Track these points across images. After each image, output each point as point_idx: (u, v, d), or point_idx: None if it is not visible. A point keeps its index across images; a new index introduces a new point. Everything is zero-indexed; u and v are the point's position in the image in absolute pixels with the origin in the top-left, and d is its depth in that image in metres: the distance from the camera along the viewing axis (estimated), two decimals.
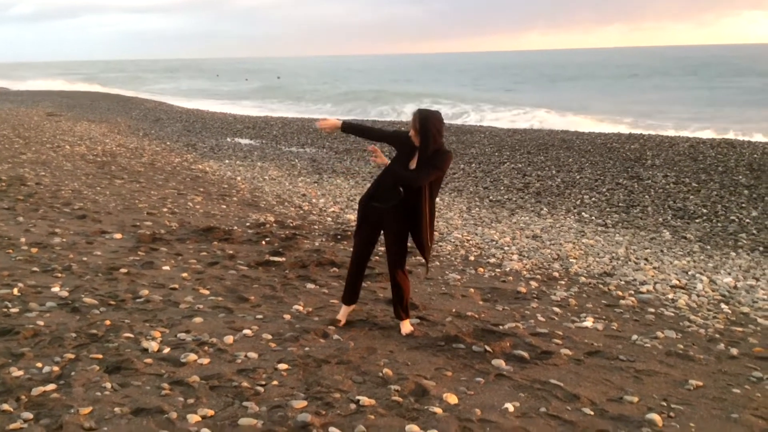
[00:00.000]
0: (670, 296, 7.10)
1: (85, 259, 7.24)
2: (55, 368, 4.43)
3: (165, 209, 10.62)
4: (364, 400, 4.20)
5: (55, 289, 6.11)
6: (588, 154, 17.80)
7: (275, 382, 4.43)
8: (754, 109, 34.35)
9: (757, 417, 4.31)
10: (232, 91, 65.07)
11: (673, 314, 6.51)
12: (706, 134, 21.54)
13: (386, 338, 5.38)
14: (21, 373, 4.32)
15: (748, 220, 11.40)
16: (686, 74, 70.85)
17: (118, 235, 8.45)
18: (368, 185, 12.62)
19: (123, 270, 6.88)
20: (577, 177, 15.36)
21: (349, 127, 5.50)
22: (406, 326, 5.53)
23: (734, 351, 5.54)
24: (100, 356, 4.67)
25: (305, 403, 4.13)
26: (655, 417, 4.18)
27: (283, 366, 4.68)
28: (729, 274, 8.10)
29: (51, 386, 4.15)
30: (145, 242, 8.20)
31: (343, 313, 5.74)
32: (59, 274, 6.60)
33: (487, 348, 5.16)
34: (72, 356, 4.64)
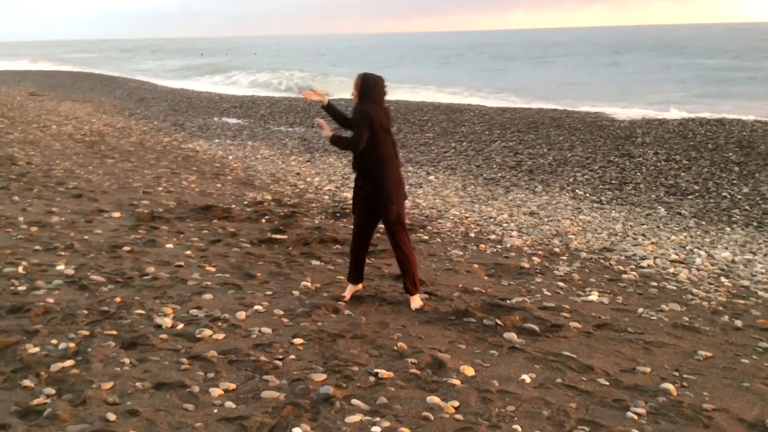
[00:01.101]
0: (671, 270, 7.18)
1: (86, 237, 7.20)
2: (71, 345, 4.42)
3: (160, 188, 10.57)
4: (383, 372, 4.23)
5: (60, 267, 6.08)
6: (578, 132, 17.85)
7: (292, 356, 4.45)
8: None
9: None
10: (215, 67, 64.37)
11: (675, 288, 6.59)
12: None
13: (397, 313, 5.41)
14: (37, 349, 4.31)
15: (740, 197, 11.51)
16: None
17: (117, 214, 8.40)
18: None
19: (126, 248, 6.85)
20: (569, 155, 15.40)
21: (330, 108, 5.58)
22: (416, 301, 5.55)
23: (738, 323, 5.63)
24: (115, 332, 4.67)
25: (325, 376, 4.16)
26: (669, 386, 4.24)
27: (298, 340, 4.70)
28: (726, 248, 8.20)
29: (69, 362, 4.15)
30: (144, 221, 8.16)
31: (349, 290, 5.76)
32: (62, 253, 6.57)
33: (498, 322, 5.21)
34: (86, 333, 4.64)
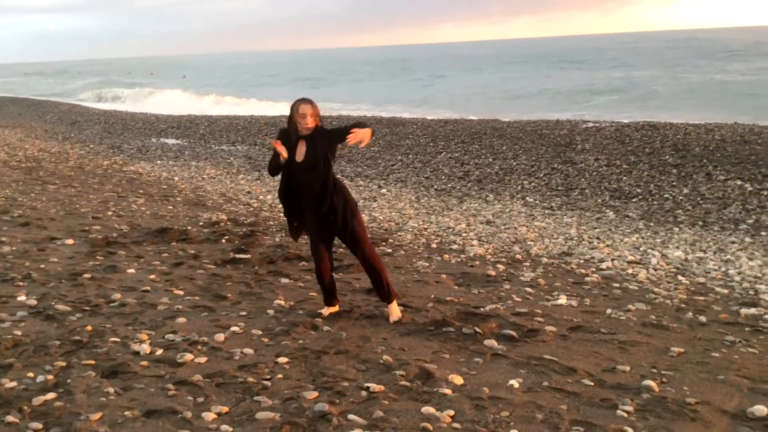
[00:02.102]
0: (630, 271, 7.41)
1: (42, 266, 6.96)
2: (49, 377, 4.27)
3: (109, 212, 10.31)
4: (374, 386, 4.23)
5: (22, 297, 5.87)
6: (520, 141, 18.25)
7: (280, 375, 4.40)
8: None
9: (742, 377, 4.57)
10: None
11: (637, 288, 6.80)
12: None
13: (375, 326, 5.42)
14: (14, 384, 4.15)
15: (681, 197, 11.96)
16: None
17: (70, 241, 8.15)
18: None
19: (87, 275, 6.66)
20: (514, 164, 15.73)
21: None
22: (395, 312, 5.55)
23: (703, 318, 5.85)
24: (92, 362, 4.53)
25: (316, 393, 4.13)
26: (651, 383, 4.37)
27: (283, 359, 4.66)
28: (678, 248, 8.51)
29: (51, 395, 4.01)
30: (100, 246, 7.94)
31: (326, 311, 5.73)
32: (20, 283, 6.34)
33: (477, 329, 5.27)
34: (63, 364, 4.49)
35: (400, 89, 49.92)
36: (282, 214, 5.73)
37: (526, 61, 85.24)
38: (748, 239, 8.98)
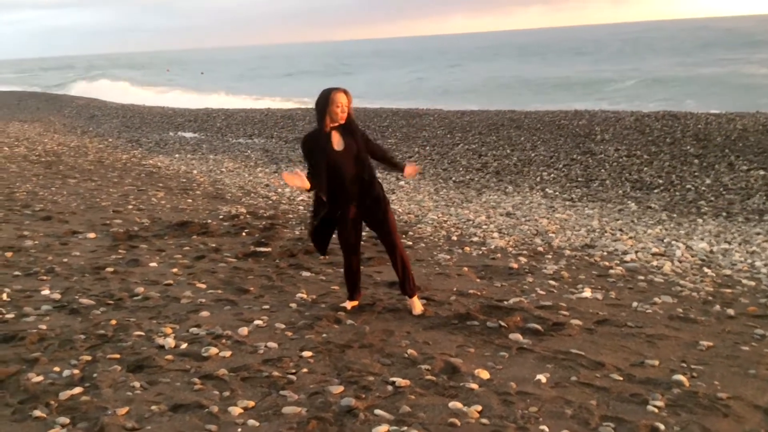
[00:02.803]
0: (654, 263, 7.32)
1: (65, 260, 6.99)
2: (75, 371, 4.28)
3: (130, 206, 10.35)
4: (400, 381, 4.20)
5: (45, 292, 5.89)
6: (538, 132, 18.12)
7: (305, 370, 4.38)
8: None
9: None
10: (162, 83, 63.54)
11: (662, 280, 6.72)
12: None
13: (399, 320, 5.38)
14: (41, 378, 4.16)
15: (703, 188, 11.82)
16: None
17: (92, 235, 8.18)
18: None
19: (109, 269, 6.68)
20: (532, 155, 15.62)
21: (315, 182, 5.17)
22: (417, 306, 5.53)
23: (731, 311, 5.76)
24: (118, 356, 4.53)
25: (342, 388, 4.11)
26: (681, 378, 4.31)
27: (307, 353, 4.63)
28: (702, 239, 8.39)
29: (77, 389, 4.01)
30: (121, 240, 7.96)
31: (350, 305, 5.70)
32: (44, 277, 6.36)
33: (501, 323, 5.22)
34: (89, 358, 4.49)
35: (414, 81, 49.69)
36: (309, 213, 5.69)
37: (541, 51, 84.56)
38: None
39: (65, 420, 3.65)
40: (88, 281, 6.30)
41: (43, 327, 5.02)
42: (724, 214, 9.91)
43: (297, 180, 4.94)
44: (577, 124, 18.46)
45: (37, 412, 3.71)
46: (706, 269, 7.16)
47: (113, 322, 5.17)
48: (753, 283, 6.66)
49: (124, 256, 7.27)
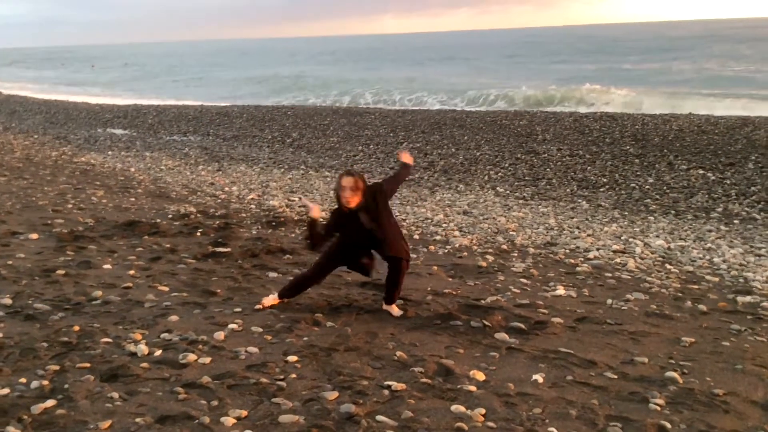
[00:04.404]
0: (618, 260, 7.38)
1: (10, 262, 6.51)
2: (44, 382, 3.93)
3: (69, 205, 9.81)
4: (395, 384, 4.03)
5: None
6: (481, 131, 18.23)
7: (293, 375, 4.16)
8: None
9: (759, 366, 4.54)
10: (86, 80, 61.42)
11: (629, 277, 6.76)
12: None
13: (380, 321, 5.21)
14: (7, 390, 3.81)
15: (647, 187, 12.08)
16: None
17: (34, 235, 7.68)
18: (272, 171, 12.51)
19: (60, 271, 6.26)
20: (477, 154, 15.68)
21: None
22: (395, 309, 5.39)
23: (703, 307, 5.82)
24: (88, 365, 4.20)
25: (336, 393, 3.91)
26: (674, 375, 4.29)
27: (292, 358, 4.41)
28: (658, 236, 8.53)
29: (50, 402, 3.68)
30: (67, 241, 7.50)
31: (271, 300, 5.52)
32: None
33: (485, 323, 5.11)
34: (56, 367, 4.15)
35: (349, 78, 49.45)
36: (305, 223, 5.68)
37: (470, 52, 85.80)
38: (723, 227, 9.08)
39: None
40: (38, 285, 5.88)
41: None
42: (673, 212, 10.13)
43: (315, 210, 5.23)
44: (518, 124, 18.67)
45: (11, 429, 3.38)
46: (668, 266, 7.26)
47: (76, 328, 4.81)
48: (716, 279, 6.78)
49: (73, 257, 6.84)
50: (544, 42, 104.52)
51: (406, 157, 5.45)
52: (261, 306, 5.43)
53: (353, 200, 5.04)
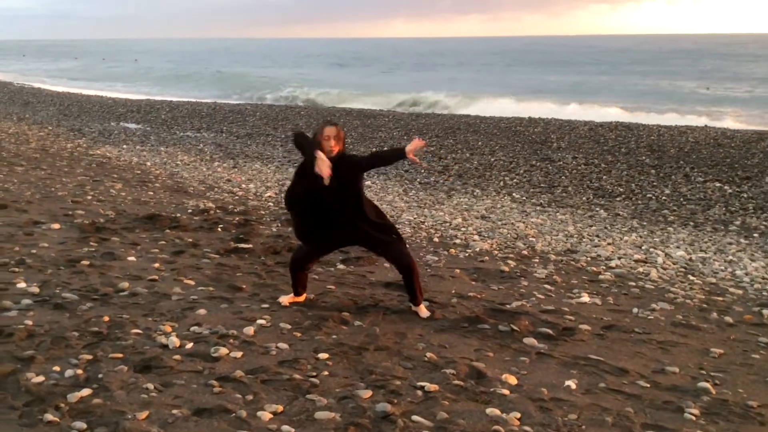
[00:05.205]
0: (640, 270, 7.36)
1: (34, 251, 6.52)
2: (78, 371, 3.93)
3: (89, 197, 9.83)
4: (428, 385, 4.02)
5: (21, 285, 5.46)
6: (495, 137, 18.21)
7: (326, 373, 4.15)
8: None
9: None
10: (100, 74, 61.65)
11: (653, 287, 6.74)
12: None
13: (407, 322, 5.21)
14: (42, 378, 3.81)
15: (664, 198, 12.04)
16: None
17: (56, 225, 7.70)
18: (289, 170, 12.56)
19: (85, 262, 6.27)
20: (492, 160, 15.66)
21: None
22: (423, 310, 5.38)
23: (729, 319, 5.80)
24: (120, 355, 4.21)
25: (370, 392, 3.90)
26: (706, 385, 4.28)
27: (323, 355, 4.41)
28: (678, 247, 8.50)
29: (86, 391, 3.68)
30: (89, 232, 7.51)
31: (288, 300, 5.53)
32: (15, 269, 5.91)
33: (513, 327, 5.10)
34: (89, 357, 4.15)
35: (365, 80, 49.66)
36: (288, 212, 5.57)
37: (482, 59, 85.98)
38: (743, 241, 9.04)
39: (82, 425, 3.32)
40: (64, 274, 5.89)
41: (29, 323, 4.63)
42: (692, 223, 10.09)
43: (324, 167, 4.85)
44: (533, 131, 18.65)
45: (49, 416, 3.38)
46: (691, 277, 7.23)
47: (105, 318, 4.82)
48: (740, 292, 6.76)
49: (97, 248, 6.85)
50: (536, 50, 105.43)
51: (414, 143, 5.05)
52: (285, 303, 5.45)
53: (336, 149, 5.00)
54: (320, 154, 4.83)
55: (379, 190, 12.13)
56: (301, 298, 5.54)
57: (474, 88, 38.68)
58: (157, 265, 6.39)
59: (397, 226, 8.68)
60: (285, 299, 5.49)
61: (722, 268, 7.62)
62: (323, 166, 4.79)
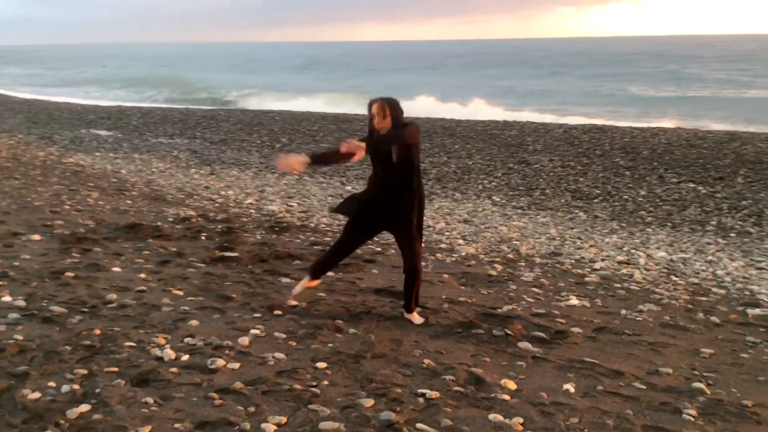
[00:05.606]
0: (624, 271, 7.44)
1: (17, 263, 6.41)
2: (75, 386, 3.87)
3: (66, 206, 9.67)
4: (429, 393, 4.02)
5: (7, 298, 5.35)
6: (472, 140, 18.32)
7: (326, 382, 4.13)
8: None
9: None
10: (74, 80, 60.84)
11: (638, 288, 6.83)
12: None
13: (402, 328, 5.21)
14: (38, 395, 3.73)
15: (640, 199, 12.22)
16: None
17: (36, 237, 7.57)
18: (266, 176, 12.58)
19: (69, 273, 6.17)
20: (470, 163, 15.75)
21: (318, 159, 5.24)
22: (417, 317, 5.39)
23: (715, 319, 5.90)
24: (116, 369, 4.14)
25: (372, 401, 3.89)
26: (701, 386, 4.34)
27: (321, 364, 4.38)
28: (659, 248, 8.63)
29: (85, 407, 3.61)
30: (70, 243, 7.39)
31: (302, 286, 5.65)
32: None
33: (507, 331, 5.13)
34: (84, 371, 4.08)
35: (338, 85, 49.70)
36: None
37: (454, 62, 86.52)
38: (721, 240, 9.21)
39: None
40: (50, 287, 5.79)
41: (20, 337, 4.54)
42: (669, 224, 10.25)
43: (289, 164, 4.99)
44: (508, 134, 18.80)
45: None
46: (673, 277, 7.34)
47: (97, 331, 4.74)
48: (723, 292, 6.87)
49: (80, 260, 6.74)
50: (505, 53, 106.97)
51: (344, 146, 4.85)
52: (293, 302, 5.52)
53: (383, 124, 5.00)
54: (344, 144, 4.83)
55: None
56: (316, 282, 5.69)
57: (448, 92, 38.84)
58: (143, 275, 6.31)
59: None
60: (300, 287, 5.63)
61: (703, 268, 7.75)
62: (347, 145, 4.82)
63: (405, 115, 5.14)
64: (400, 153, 5.02)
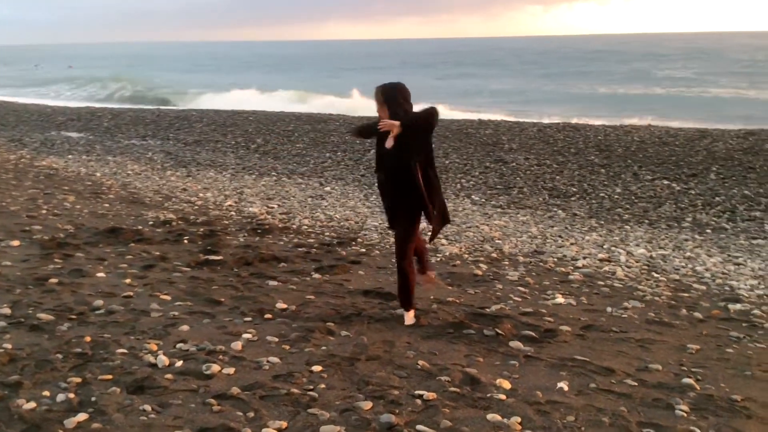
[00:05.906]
0: (606, 269, 7.54)
1: None
2: (70, 395, 3.82)
3: (43, 211, 9.54)
4: (426, 394, 4.05)
5: None
6: (447, 140, 18.37)
7: (322, 386, 4.14)
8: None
9: (766, 372, 4.70)
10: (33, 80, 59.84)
11: (621, 285, 6.92)
12: None
13: (393, 330, 5.23)
14: (33, 404, 3.69)
15: (616, 196, 12.36)
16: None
17: (15, 242, 7.46)
18: (244, 177, 12.50)
19: (53, 280, 6.10)
20: (447, 162, 15.79)
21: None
22: (408, 316, 5.41)
23: (698, 315, 6.01)
24: (110, 377, 4.11)
25: (370, 403, 3.90)
26: (690, 381, 4.42)
27: (317, 368, 4.39)
28: (638, 245, 8.75)
29: (82, 416, 3.58)
30: (51, 248, 7.29)
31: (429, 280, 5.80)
32: None
33: (498, 331, 5.18)
34: (78, 380, 4.04)
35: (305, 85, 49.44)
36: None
37: (424, 60, 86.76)
38: (698, 237, 9.37)
39: None
40: (35, 294, 5.71)
41: (9, 346, 4.48)
42: (646, 221, 10.40)
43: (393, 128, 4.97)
44: (483, 133, 18.90)
45: None
46: (654, 274, 7.45)
47: (87, 339, 4.70)
48: (704, 287, 7.00)
49: (63, 265, 6.67)
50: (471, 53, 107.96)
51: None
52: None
53: (381, 113, 5.06)
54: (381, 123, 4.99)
55: (340, 195, 12.11)
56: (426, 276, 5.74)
57: (421, 92, 38.97)
58: (128, 280, 6.25)
59: (363, 232, 8.72)
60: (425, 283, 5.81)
61: (683, 264, 7.88)
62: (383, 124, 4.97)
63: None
64: (396, 141, 5.04)
